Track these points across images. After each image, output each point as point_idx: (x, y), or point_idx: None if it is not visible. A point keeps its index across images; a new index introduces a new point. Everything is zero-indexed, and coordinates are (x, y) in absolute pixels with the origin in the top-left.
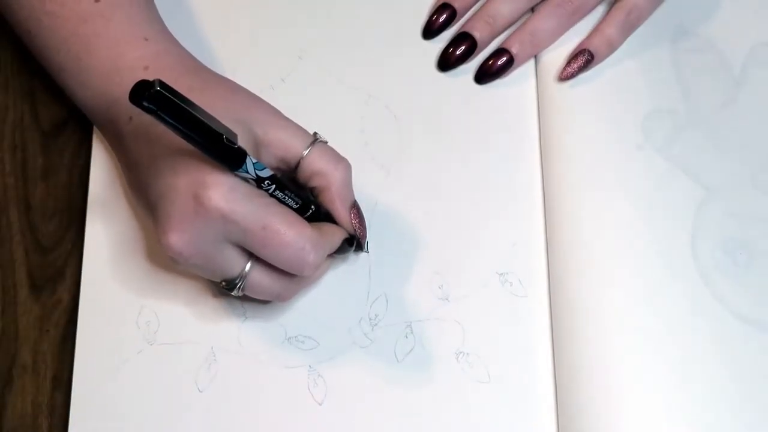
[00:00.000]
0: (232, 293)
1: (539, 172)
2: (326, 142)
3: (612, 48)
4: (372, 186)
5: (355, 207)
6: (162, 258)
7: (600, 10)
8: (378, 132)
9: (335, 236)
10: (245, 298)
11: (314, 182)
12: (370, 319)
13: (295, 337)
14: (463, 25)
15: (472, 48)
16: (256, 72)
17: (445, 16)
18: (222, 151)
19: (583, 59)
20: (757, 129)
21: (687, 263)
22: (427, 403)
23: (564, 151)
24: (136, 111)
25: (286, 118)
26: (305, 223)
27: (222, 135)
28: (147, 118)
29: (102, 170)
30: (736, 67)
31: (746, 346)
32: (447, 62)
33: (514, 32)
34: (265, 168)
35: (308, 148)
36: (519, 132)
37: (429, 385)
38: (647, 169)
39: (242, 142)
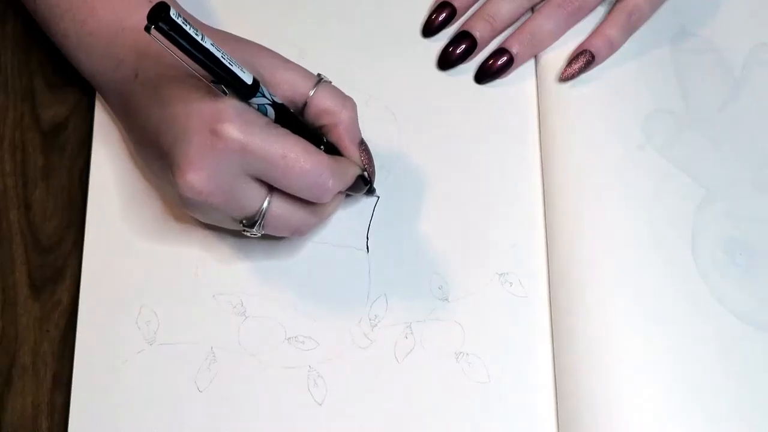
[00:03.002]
0: (253, 230)
1: (539, 172)
2: (330, 82)
3: (613, 49)
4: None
5: (363, 144)
6: (162, 257)
7: (600, 11)
8: (378, 132)
9: (350, 169)
10: (262, 241)
11: (322, 120)
12: (370, 320)
13: (295, 337)
14: (463, 24)
15: (472, 47)
16: None
17: (444, 14)
18: (236, 77)
19: (583, 60)
20: (757, 129)
21: (687, 263)
22: (427, 403)
23: (564, 151)
24: (141, 66)
25: (290, 61)
26: (322, 152)
27: (233, 63)
28: (153, 71)
29: (102, 170)
30: (736, 67)
31: (746, 346)
32: (447, 61)
33: (515, 32)
34: (276, 97)
35: (314, 87)
36: (519, 132)
37: (429, 385)
38: (647, 169)
39: None
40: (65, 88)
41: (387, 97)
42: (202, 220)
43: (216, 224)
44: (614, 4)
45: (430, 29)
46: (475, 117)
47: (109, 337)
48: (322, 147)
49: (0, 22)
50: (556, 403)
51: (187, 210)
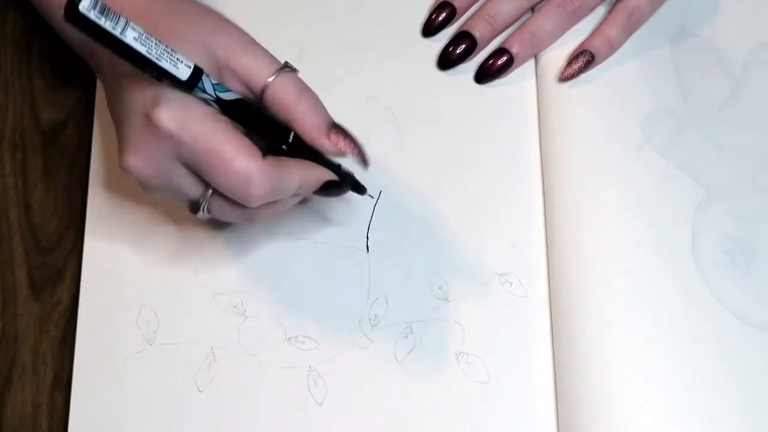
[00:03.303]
0: (197, 215)
1: (539, 172)
2: (296, 71)
3: (613, 49)
4: (372, 186)
5: (335, 128)
6: (162, 257)
7: (601, 11)
8: (378, 132)
9: (306, 174)
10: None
11: (280, 114)
12: (370, 320)
13: (295, 337)
14: (463, 24)
15: (472, 47)
16: None
17: (444, 14)
18: (166, 73)
19: (583, 60)
20: (757, 129)
21: (687, 263)
22: (427, 403)
23: (564, 151)
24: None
25: (256, 44)
26: (258, 153)
27: (163, 58)
28: (108, 54)
29: (102, 170)
30: (736, 67)
31: (746, 346)
32: (447, 61)
33: (515, 32)
34: (228, 91)
35: (273, 76)
36: (519, 132)
37: (429, 385)
38: (647, 168)
39: (203, 65)
40: (65, 88)
41: (387, 97)
42: None
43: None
44: (614, 4)
45: (430, 29)
46: (475, 117)
47: (109, 337)
48: (289, 143)
49: (0, 22)
50: (556, 403)
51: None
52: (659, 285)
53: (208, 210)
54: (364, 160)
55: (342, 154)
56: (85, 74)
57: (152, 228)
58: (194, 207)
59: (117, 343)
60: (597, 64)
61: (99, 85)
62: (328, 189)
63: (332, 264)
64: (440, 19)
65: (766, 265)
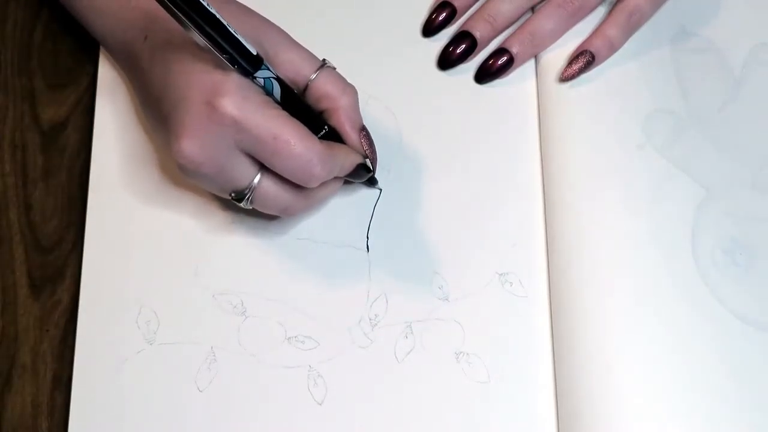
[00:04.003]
0: (241, 204)
1: (539, 172)
2: (335, 68)
3: (613, 49)
4: None
5: (364, 130)
6: (162, 257)
7: (601, 11)
8: (378, 132)
9: (347, 157)
10: (254, 214)
11: (322, 105)
12: (370, 319)
13: (295, 337)
14: (463, 24)
15: (472, 47)
16: None
17: (444, 14)
18: (241, 47)
19: (584, 60)
20: (757, 129)
21: (687, 263)
22: (427, 403)
23: (564, 151)
24: (150, 29)
25: (297, 42)
26: (315, 137)
27: (238, 37)
28: (161, 36)
29: (102, 170)
30: (736, 67)
31: (746, 346)
32: (447, 61)
33: (515, 32)
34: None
35: (317, 72)
36: (519, 132)
37: (429, 385)
38: (647, 168)
39: None
40: (65, 88)
41: (387, 97)
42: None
43: (212, 192)
44: (614, 4)
45: (430, 29)
46: (475, 117)
47: (109, 337)
48: (324, 131)
49: (0, 22)
50: (556, 403)
51: (181, 175)
52: (659, 285)
53: (252, 200)
54: (374, 167)
55: (363, 154)
56: (85, 74)
57: (152, 228)
58: (239, 196)
59: (117, 343)
60: (597, 64)
61: (99, 85)
62: (354, 173)
63: (332, 264)
64: (440, 19)
65: (766, 265)
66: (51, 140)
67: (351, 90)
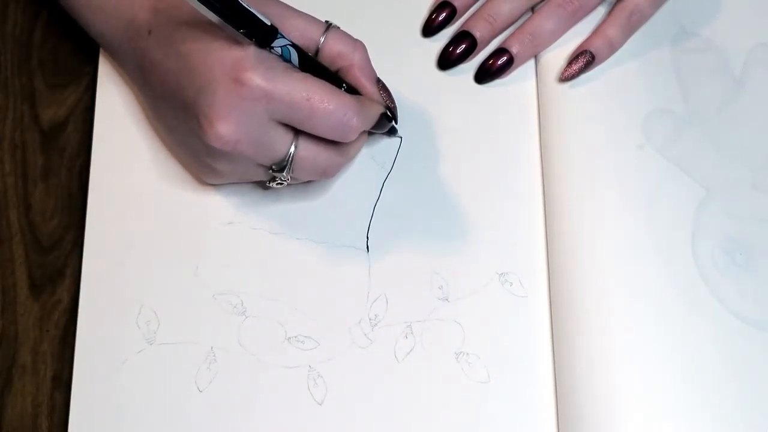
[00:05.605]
0: (283, 175)
1: (539, 172)
2: (339, 27)
3: (613, 49)
4: (372, 185)
5: (380, 82)
6: (162, 257)
7: (601, 11)
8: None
9: (372, 108)
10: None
11: (336, 64)
12: (370, 319)
13: (295, 337)
14: (463, 24)
15: (472, 47)
16: None
17: (444, 14)
18: (256, 19)
19: (584, 60)
20: (757, 129)
21: (687, 263)
22: (427, 403)
23: (564, 150)
24: (155, 22)
25: (298, 10)
26: (344, 92)
27: (252, 10)
28: (168, 26)
29: (102, 170)
30: (736, 67)
31: (746, 346)
32: (447, 61)
33: (515, 32)
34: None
35: (324, 33)
36: (519, 132)
37: (429, 385)
38: (647, 168)
39: None
40: (65, 88)
41: None
42: (225, 179)
43: (240, 179)
44: (614, 4)
45: (430, 29)
46: (475, 117)
47: (109, 337)
48: (343, 88)
49: (0, 23)
50: (556, 402)
51: (214, 163)
52: (659, 285)
53: (293, 167)
54: (395, 116)
55: (383, 104)
56: (85, 74)
57: (152, 228)
58: (280, 166)
59: (117, 343)
60: (597, 64)
61: (99, 85)
62: (378, 123)
63: (332, 263)
64: (440, 19)
65: (766, 265)
66: (51, 140)
67: (360, 45)
